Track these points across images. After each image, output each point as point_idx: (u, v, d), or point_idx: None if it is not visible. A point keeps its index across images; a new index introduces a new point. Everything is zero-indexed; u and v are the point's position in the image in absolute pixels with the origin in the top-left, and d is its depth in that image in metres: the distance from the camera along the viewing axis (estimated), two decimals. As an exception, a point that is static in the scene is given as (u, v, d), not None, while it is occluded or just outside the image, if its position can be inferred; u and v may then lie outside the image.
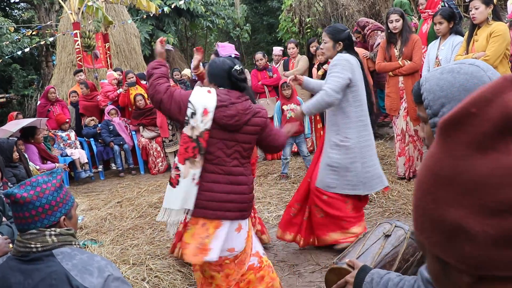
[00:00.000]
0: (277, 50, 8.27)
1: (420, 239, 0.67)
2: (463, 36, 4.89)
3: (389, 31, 5.19)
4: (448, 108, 1.31)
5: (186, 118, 2.63)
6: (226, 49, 4.35)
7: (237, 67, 2.76)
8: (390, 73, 5.32)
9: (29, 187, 1.71)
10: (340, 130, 3.69)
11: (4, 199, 3.58)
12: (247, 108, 2.73)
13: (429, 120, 1.39)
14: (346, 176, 3.69)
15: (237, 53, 4.41)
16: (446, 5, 6.29)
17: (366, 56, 6.73)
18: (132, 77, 8.31)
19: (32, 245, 1.69)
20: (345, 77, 3.57)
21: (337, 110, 3.69)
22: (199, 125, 2.62)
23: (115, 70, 9.03)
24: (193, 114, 2.62)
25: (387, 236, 1.99)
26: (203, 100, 2.65)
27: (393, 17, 5.09)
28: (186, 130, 2.64)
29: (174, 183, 2.67)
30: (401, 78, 5.26)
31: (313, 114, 3.47)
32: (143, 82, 8.38)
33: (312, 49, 7.53)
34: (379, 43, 6.68)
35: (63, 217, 1.77)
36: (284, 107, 6.33)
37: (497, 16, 4.61)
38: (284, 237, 3.97)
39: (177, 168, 2.66)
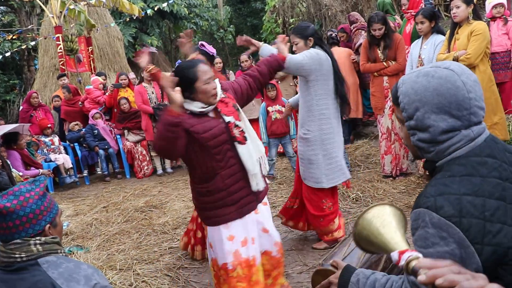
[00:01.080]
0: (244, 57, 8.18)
1: None
2: (444, 35, 4.95)
3: (371, 34, 5.22)
4: (422, 112, 1.34)
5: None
6: (209, 48, 4.34)
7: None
8: (375, 73, 5.36)
9: (12, 196, 1.68)
10: (304, 124, 3.81)
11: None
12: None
13: (405, 123, 1.41)
14: (310, 168, 3.81)
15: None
16: (423, 5, 6.39)
17: (354, 59, 6.77)
18: (125, 79, 8.27)
19: (17, 255, 1.66)
20: (305, 61, 3.57)
21: (303, 104, 3.80)
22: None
23: (98, 74, 8.96)
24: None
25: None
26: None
27: (376, 26, 5.12)
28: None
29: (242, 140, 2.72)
30: (385, 78, 5.31)
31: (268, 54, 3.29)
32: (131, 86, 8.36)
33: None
34: (361, 43, 6.73)
35: (48, 225, 1.74)
36: (269, 108, 6.34)
37: (477, 15, 4.68)
38: (287, 223, 4.24)
39: (236, 125, 2.70)
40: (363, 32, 6.94)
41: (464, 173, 1.29)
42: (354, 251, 1.96)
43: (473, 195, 1.25)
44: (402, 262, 1.14)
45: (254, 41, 3.60)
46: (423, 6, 6.42)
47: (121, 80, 8.26)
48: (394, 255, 1.19)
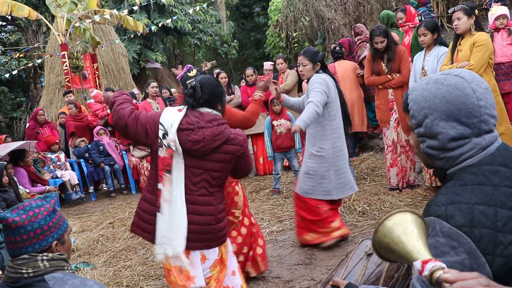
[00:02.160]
0: (267, 65, 8.31)
1: None
2: (447, 46, 4.97)
3: (374, 47, 5.24)
4: (431, 119, 1.33)
5: (159, 141, 2.55)
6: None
7: (189, 81, 2.67)
8: (380, 85, 5.37)
9: (21, 211, 1.70)
10: (316, 142, 4.08)
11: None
12: (217, 134, 2.57)
13: (415, 130, 1.40)
14: (322, 183, 4.07)
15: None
16: (422, 18, 6.43)
17: (359, 73, 6.79)
18: None
19: (24, 271, 1.67)
20: (325, 92, 3.96)
21: (314, 124, 4.02)
22: (169, 143, 2.55)
23: (106, 90, 9.01)
24: (165, 134, 2.54)
25: (369, 254, 1.97)
26: (173, 119, 2.57)
27: (378, 39, 5.14)
28: (163, 153, 2.55)
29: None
30: (390, 90, 5.31)
31: (308, 126, 3.84)
32: (134, 101, 8.36)
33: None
34: (365, 56, 6.76)
35: (55, 242, 1.75)
36: (274, 122, 6.35)
37: (479, 26, 4.70)
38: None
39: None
40: (367, 44, 6.98)
41: (476, 182, 1.27)
42: (351, 273, 1.93)
43: (485, 204, 1.23)
44: (426, 272, 1.09)
45: (280, 94, 4.17)
46: (422, 19, 6.47)
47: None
48: (417, 265, 1.14)
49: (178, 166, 2.55)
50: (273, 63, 8.66)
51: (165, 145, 2.53)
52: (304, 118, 3.81)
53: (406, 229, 1.26)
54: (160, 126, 2.56)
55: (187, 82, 2.68)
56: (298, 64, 4.33)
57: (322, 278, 3.65)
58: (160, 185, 2.55)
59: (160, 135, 2.55)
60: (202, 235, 2.58)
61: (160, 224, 2.55)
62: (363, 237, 4.33)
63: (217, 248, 2.68)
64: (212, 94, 2.67)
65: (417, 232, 1.25)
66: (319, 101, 3.87)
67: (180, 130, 2.53)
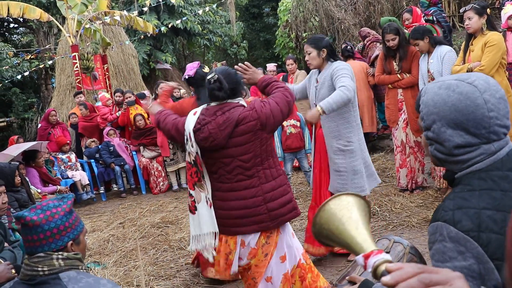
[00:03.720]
0: (271, 66, 8.31)
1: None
2: (443, 44, 4.93)
3: (386, 46, 5.22)
4: (439, 125, 1.32)
5: (186, 146, 2.66)
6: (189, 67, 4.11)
7: (209, 75, 2.63)
8: (390, 85, 5.35)
9: (39, 210, 1.74)
10: (342, 136, 3.75)
11: (6, 224, 3.57)
12: (222, 124, 2.56)
13: (424, 133, 1.39)
14: (354, 179, 3.79)
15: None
16: (434, 18, 6.38)
17: (370, 73, 6.77)
18: (130, 97, 8.32)
19: (39, 269, 1.70)
20: (352, 79, 3.61)
21: (336, 116, 3.72)
22: (191, 149, 2.61)
23: (115, 92, 9.07)
24: (187, 139, 2.62)
25: (386, 253, 1.97)
26: (190, 123, 2.63)
27: (389, 37, 5.12)
28: (187, 157, 2.67)
29: (192, 210, 2.70)
30: (400, 90, 5.29)
31: (334, 111, 3.44)
32: (143, 101, 8.41)
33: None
34: (377, 55, 6.74)
35: (71, 242, 1.78)
36: (284, 123, 6.34)
37: (491, 25, 4.65)
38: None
39: (190, 195, 2.70)
40: (378, 44, 6.95)
41: (485, 187, 1.26)
42: (367, 271, 1.93)
43: (493, 209, 1.21)
44: (369, 269, 0.98)
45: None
46: (434, 19, 6.43)
47: (127, 98, 8.32)
48: (359, 260, 1.02)
49: (203, 170, 2.68)
50: (276, 64, 8.67)
51: (187, 150, 2.65)
52: (331, 101, 3.37)
53: (343, 218, 1.15)
54: (185, 132, 2.63)
55: (209, 77, 2.61)
56: (304, 56, 3.97)
57: (333, 279, 3.64)
58: (191, 191, 2.70)
59: (185, 140, 2.64)
60: (253, 218, 2.63)
61: (191, 222, 2.74)
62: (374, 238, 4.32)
63: (257, 236, 2.68)
64: (236, 82, 2.67)
65: (355, 219, 1.14)
66: (352, 86, 3.46)
67: (194, 132, 2.59)
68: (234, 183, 2.64)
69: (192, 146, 2.59)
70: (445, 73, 4.74)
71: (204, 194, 2.66)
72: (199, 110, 2.67)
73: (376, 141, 7.80)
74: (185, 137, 2.61)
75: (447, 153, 1.33)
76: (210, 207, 2.66)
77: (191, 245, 2.74)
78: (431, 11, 6.55)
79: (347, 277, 1.67)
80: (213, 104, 2.66)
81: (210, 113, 2.61)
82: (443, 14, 6.66)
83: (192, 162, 2.63)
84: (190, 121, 2.62)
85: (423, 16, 6.44)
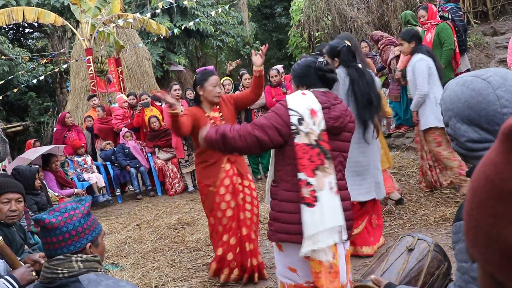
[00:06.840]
0: (274, 72, 8.21)
1: (472, 252, 0.60)
2: (424, 53, 4.88)
3: None
4: (454, 121, 1.30)
5: (294, 128, 2.32)
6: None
7: (320, 59, 2.51)
8: None
9: (57, 213, 1.75)
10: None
11: (25, 227, 3.61)
12: (346, 109, 2.48)
13: (445, 128, 1.39)
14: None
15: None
16: (450, 16, 6.32)
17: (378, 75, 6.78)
18: (146, 98, 8.37)
19: (59, 271, 1.71)
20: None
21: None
22: (313, 128, 2.33)
23: (128, 95, 9.14)
24: (301, 119, 2.32)
25: (410, 250, 1.97)
26: (305, 102, 2.37)
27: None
28: (301, 139, 2.32)
29: (311, 201, 2.29)
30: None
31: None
32: (158, 103, 8.46)
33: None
34: (392, 58, 6.73)
35: (89, 244, 1.79)
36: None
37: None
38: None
39: (308, 184, 2.30)
40: (392, 47, 6.92)
41: None
42: (392, 266, 1.93)
43: None
44: None
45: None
46: (450, 16, 6.36)
47: (143, 100, 8.34)
48: None
49: (325, 150, 2.36)
50: (282, 65, 8.61)
51: (302, 131, 2.33)
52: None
53: None
54: (291, 112, 2.34)
55: (321, 60, 2.50)
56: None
57: (350, 278, 3.61)
58: (301, 175, 2.31)
59: (295, 121, 2.33)
60: (348, 222, 2.40)
61: (308, 217, 2.30)
62: (390, 237, 4.28)
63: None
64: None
65: None
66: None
67: (322, 109, 2.39)
68: (337, 181, 2.40)
69: (315, 124, 2.33)
70: (419, 82, 4.78)
71: (328, 179, 2.32)
72: (308, 92, 2.44)
73: (392, 140, 7.74)
74: (297, 117, 2.33)
75: (465, 148, 1.32)
76: (336, 194, 2.33)
77: (305, 248, 2.28)
78: (448, 7, 6.48)
79: (372, 276, 1.66)
80: (323, 89, 2.52)
81: (331, 97, 2.47)
82: (460, 13, 6.55)
83: (314, 143, 2.32)
84: (307, 99, 2.39)
85: (439, 12, 6.37)
